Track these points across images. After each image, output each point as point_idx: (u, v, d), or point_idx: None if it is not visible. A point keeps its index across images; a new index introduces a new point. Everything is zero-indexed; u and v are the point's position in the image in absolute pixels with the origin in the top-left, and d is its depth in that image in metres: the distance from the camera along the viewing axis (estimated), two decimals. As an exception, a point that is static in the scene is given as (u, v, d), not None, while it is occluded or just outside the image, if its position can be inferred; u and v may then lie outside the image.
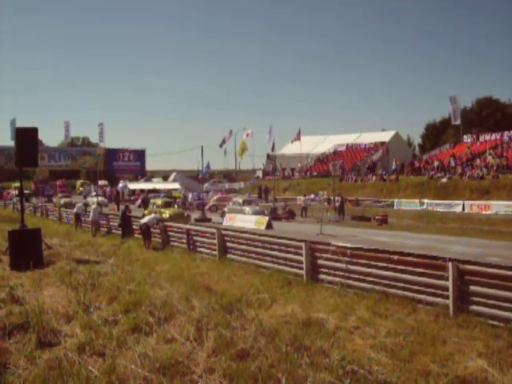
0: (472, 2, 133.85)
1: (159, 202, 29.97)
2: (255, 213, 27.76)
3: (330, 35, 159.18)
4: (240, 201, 31.33)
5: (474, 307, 7.66)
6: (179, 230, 16.75)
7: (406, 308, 8.13)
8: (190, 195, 44.42)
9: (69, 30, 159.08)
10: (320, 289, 9.83)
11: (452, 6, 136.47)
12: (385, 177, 45.58)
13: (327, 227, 22.95)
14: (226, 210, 30.74)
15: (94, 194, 48.06)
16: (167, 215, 25.25)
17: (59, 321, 7.40)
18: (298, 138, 55.28)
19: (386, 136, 59.56)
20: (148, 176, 69.59)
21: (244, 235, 13.73)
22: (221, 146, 58.73)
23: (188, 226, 16.77)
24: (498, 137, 45.32)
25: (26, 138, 13.05)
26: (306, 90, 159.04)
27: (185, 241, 16.14)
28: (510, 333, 6.79)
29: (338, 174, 44.44)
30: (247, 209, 28.75)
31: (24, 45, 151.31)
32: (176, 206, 34.75)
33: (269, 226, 24.69)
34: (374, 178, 46.77)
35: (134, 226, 19.55)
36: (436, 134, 72.92)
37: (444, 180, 38.57)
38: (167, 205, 29.45)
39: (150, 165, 78.33)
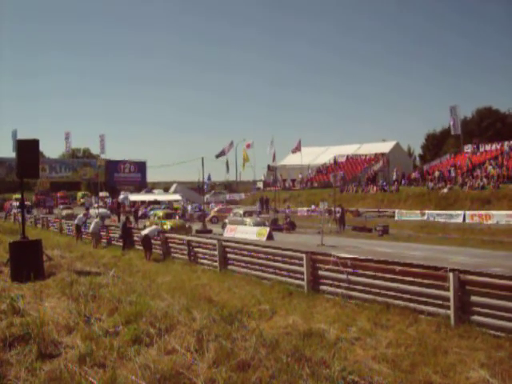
0: (474, 11, 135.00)
1: (160, 213, 29.99)
2: (256, 224, 27.78)
3: (331, 44, 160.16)
4: (241, 212, 31.36)
5: (476, 317, 7.64)
6: (180, 242, 16.74)
7: (407, 319, 8.11)
8: (189, 207, 44.44)
9: (68, 38, 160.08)
10: (321, 300, 9.81)
11: (453, 15, 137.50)
12: (385, 187, 45.62)
13: (328, 238, 22.93)
14: (226, 221, 30.77)
15: (96, 205, 48.16)
16: (169, 227, 25.27)
17: (60, 332, 7.39)
18: (298, 148, 55.36)
19: (386, 147, 59.74)
20: (149, 187, 69.68)
21: (245, 246, 13.72)
22: (217, 156, 57.77)
23: (189, 238, 16.77)
24: (499, 147, 45.43)
25: (28, 149, 13.11)
26: (306, 100, 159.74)
27: (186, 252, 16.13)
28: None
29: (339, 185, 44.51)
30: (248, 220, 28.77)
31: (24, 53, 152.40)
32: (177, 217, 34.80)
33: (270, 237, 24.68)
34: (374, 188, 46.82)
35: (135, 238, 19.57)
36: (436, 144, 73.10)
37: (445, 190, 38.59)
38: (168, 216, 29.47)
39: (151, 176, 78.62)
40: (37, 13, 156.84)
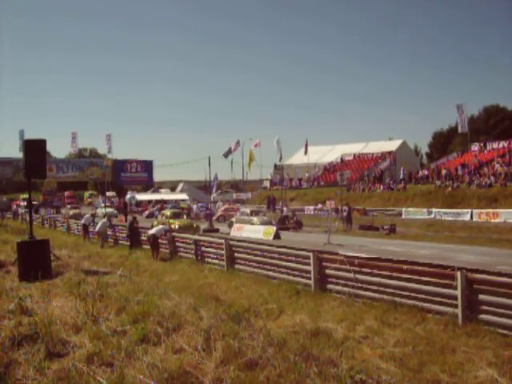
0: (479, 9, 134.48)
1: (168, 212, 30.04)
2: (263, 223, 27.75)
3: (337, 43, 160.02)
4: (248, 211, 31.34)
5: (483, 316, 7.61)
6: (187, 241, 16.77)
7: (414, 317, 8.10)
8: (194, 206, 44.47)
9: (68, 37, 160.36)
10: (328, 298, 9.80)
11: (459, 13, 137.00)
12: (392, 186, 45.47)
13: (335, 237, 22.86)
14: (233, 220, 30.75)
15: (103, 205, 48.29)
16: (177, 226, 25.30)
17: (68, 331, 7.40)
18: (305, 149, 55.27)
19: (393, 145, 59.49)
20: (156, 187, 69.73)
21: (252, 245, 13.72)
22: (225, 156, 57.66)
23: (196, 237, 16.79)
24: (506, 145, 45.15)
25: (35, 149, 13.13)
26: (313, 98, 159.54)
27: (193, 251, 16.15)
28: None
29: (346, 184, 44.40)
30: (255, 219, 28.74)
31: (30, 53, 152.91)
32: (185, 216, 34.84)
33: (276, 236, 24.63)
34: (381, 187, 46.68)
35: (142, 237, 19.60)
36: (443, 142, 72.78)
37: (449, 189, 38.51)
38: (176, 215, 29.50)
39: (158, 176, 78.75)
40: (42, 11, 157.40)
